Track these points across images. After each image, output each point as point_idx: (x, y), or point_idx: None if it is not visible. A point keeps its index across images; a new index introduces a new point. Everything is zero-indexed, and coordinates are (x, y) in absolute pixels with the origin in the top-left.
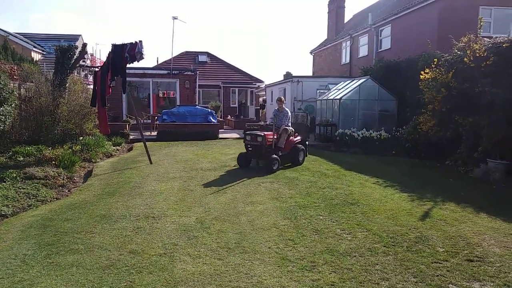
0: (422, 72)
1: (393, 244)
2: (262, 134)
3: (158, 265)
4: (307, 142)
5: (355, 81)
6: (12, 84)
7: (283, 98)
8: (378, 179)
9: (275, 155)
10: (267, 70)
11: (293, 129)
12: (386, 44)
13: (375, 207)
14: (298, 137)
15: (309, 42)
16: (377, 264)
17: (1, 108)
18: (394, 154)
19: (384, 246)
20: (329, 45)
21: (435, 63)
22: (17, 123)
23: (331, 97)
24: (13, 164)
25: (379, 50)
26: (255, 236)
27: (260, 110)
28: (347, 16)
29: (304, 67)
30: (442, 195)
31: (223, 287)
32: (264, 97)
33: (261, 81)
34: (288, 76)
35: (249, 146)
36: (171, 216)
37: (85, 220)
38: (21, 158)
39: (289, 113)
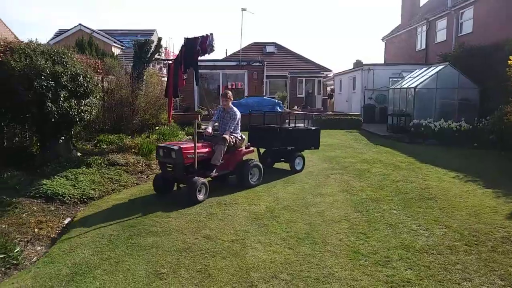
0: (511, 57)
1: (476, 243)
2: (177, 148)
3: (231, 250)
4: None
5: (432, 68)
6: (96, 78)
7: (230, 93)
8: (457, 173)
9: (204, 176)
10: (336, 59)
11: (242, 137)
12: (467, 28)
13: (455, 202)
14: (250, 148)
15: (381, 29)
16: (458, 264)
17: (88, 100)
18: (476, 147)
19: (466, 245)
20: (403, 31)
21: None
22: (100, 113)
23: (405, 86)
24: (98, 151)
25: (460, 35)
26: (325, 227)
27: (328, 100)
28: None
29: (375, 55)
30: None
31: (294, 276)
32: (332, 87)
33: (329, 70)
34: (358, 64)
35: (167, 165)
36: (241, 204)
37: (162, 205)
38: (105, 146)
39: (238, 115)
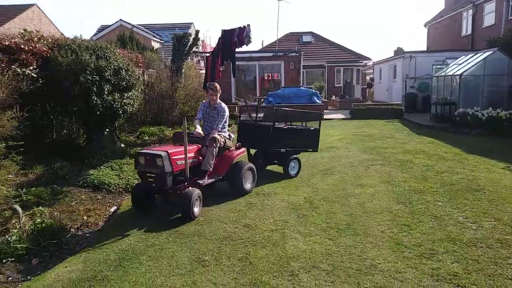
0: None
1: None
2: (164, 154)
3: (271, 240)
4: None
5: (479, 54)
6: (137, 71)
7: (218, 86)
8: (509, 164)
9: (196, 186)
10: (375, 48)
11: (231, 136)
12: None
13: (505, 194)
14: (242, 149)
15: (423, 16)
16: (510, 258)
17: (130, 93)
18: None
19: None
20: (447, 16)
21: None
22: (142, 106)
23: (450, 73)
24: (140, 142)
25: (510, 18)
26: (366, 219)
27: (367, 89)
28: None
29: (416, 42)
30: None
31: (335, 267)
32: (372, 76)
33: (368, 59)
34: (399, 52)
35: (148, 174)
36: (280, 194)
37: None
38: (146, 137)
39: (226, 111)
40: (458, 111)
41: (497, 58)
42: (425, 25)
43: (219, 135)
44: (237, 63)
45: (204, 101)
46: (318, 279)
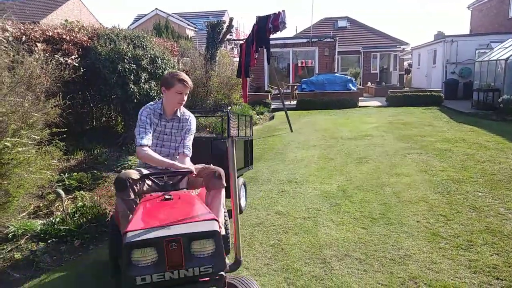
0: None
1: None
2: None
3: (303, 227)
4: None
5: None
6: (172, 60)
7: (188, 82)
8: None
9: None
10: (415, 32)
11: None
12: None
13: None
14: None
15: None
16: None
17: None
18: None
19: None
20: None
21: None
22: None
23: (494, 58)
24: None
25: None
26: (401, 208)
27: (405, 76)
28: None
29: (458, 26)
30: None
31: (368, 256)
32: (410, 61)
33: (406, 44)
34: (439, 36)
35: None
36: (312, 182)
37: None
38: None
39: (194, 122)
40: (502, 97)
41: None
42: (468, 7)
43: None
44: (271, 50)
45: (149, 105)
46: (351, 267)
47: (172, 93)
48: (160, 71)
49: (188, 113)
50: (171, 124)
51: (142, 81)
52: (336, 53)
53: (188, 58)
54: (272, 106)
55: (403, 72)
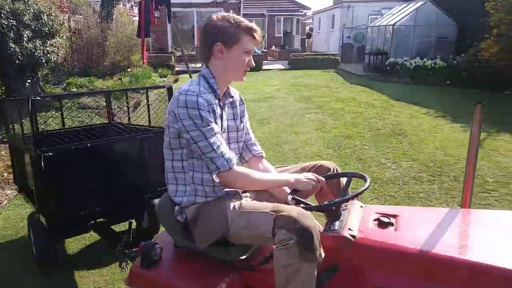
0: None
1: (439, 173)
2: None
3: None
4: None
5: (411, 4)
6: (62, 17)
7: (258, 31)
8: (429, 110)
9: None
10: None
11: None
12: None
13: (424, 137)
14: None
15: None
16: (421, 192)
17: (54, 40)
18: (449, 84)
19: (430, 175)
20: None
21: None
22: (68, 55)
23: (384, 23)
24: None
25: None
26: None
27: (307, 40)
28: None
29: None
30: (498, 126)
31: None
32: (311, 26)
33: (308, 8)
34: (338, 1)
35: None
36: None
37: None
38: (75, 89)
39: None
40: (389, 60)
41: (428, 9)
42: None
43: None
44: (174, 9)
45: (193, 89)
46: None
47: (238, 54)
48: (47, 28)
49: (235, 90)
50: (230, 112)
51: (25, 39)
52: (242, 15)
53: (81, 16)
54: (177, 69)
55: (305, 36)
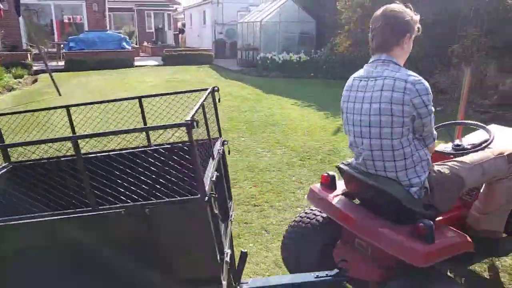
0: None
1: (308, 157)
2: None
3: None
4: None
5: (275, 2)
6: None
7: None
8: (297, 101)
9: None
10: None
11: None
12: None
13: (293, 125)
14: None
15: None
16: (294, 176)
17: None
18: (313, 76)
19: (300, 160)
20: None
21: None
22: None
23: (252, 20)
24: None
25: None
26: None
27: (180, 35)
28: None
29: None
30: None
31: None
32: (183, 21)
33: (178, 3)
34: None
35: None
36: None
37: None
38: None
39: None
40: (260, 56)
41: (290, 6)
42: None
43: None
44: (26, 2)
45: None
46: None
47: (410, 43)
48: None
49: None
50: None
51: None
52: (107, 9)
53: None
54: (35, 68)
55: (178, 32)
